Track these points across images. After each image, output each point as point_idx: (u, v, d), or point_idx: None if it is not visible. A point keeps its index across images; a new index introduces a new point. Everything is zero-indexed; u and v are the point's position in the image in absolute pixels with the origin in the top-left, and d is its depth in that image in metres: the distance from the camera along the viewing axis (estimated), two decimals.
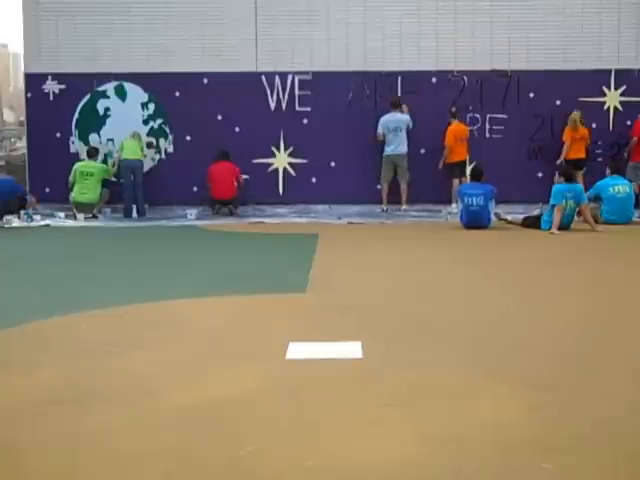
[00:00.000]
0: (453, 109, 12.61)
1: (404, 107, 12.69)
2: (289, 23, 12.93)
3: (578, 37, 12.88)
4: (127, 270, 7.52)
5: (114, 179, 12.86)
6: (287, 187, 13.07)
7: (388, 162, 12.67)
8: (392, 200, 12.72)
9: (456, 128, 12.56)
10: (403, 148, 12.62)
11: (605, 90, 12.94)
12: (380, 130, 12.60)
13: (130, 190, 12.63)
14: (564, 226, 10.29)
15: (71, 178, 12.52)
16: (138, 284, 6.69)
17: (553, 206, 10.34)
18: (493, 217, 10.81)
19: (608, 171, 11.33)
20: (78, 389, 3.68)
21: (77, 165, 12.61)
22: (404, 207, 12.63)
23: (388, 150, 12.62)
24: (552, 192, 10.44)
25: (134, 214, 12.67)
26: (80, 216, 12.33)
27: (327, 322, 5.07)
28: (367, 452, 2.87)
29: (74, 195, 12.47)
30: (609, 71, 12.89)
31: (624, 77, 12.89)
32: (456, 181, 12.60)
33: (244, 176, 12.90)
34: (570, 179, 10.61)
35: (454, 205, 12.53)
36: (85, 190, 12.49)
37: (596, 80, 12.83)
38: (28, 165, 13.29)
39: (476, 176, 11.06)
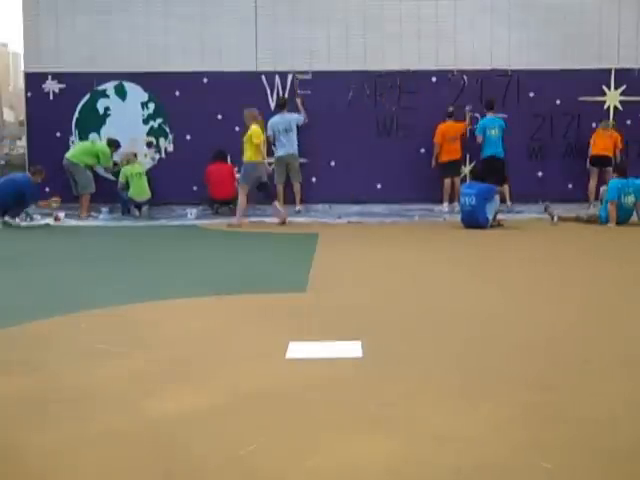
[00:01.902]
0: (450, 109, 12.60)
1: (298, 100, 12.68)
2: (289, 23, 12.94)
3: (578, 37, 12.88)
4: (127, 269, 7.52)
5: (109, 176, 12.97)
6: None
7: (281, 164, 12.57)
8: (290, 200, 12.60)
9: (446, 127, 12.54)
10: (294, 148, 12.53)
11: (605, 89, 12.95)
12: (270, 132, 12.44)
13: (125, 192, 12.63)
14: (624, 220, 10.72)
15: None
16: (138, 283, 6.69)
17: (608, 201, 10.74)
18: (489, 217, 10.67)
19: (613, 174, 11.22)
20: (78, 389, 3.68)
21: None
22: (298, 207, 12.57)
23: (280, 152, 12.52)
24: (608, 188, 10.88)
25: (135, 212, 12.66)
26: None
27: (327, 322, 5.07)
28: (367, 452, 2.87)
29: None
30: (609, 70, 12.90)
31: (624, 76, 12.90)
32: (447, 181, 12.59)
33: None
34: (624, 174, 10.97)
35: (445, 204, 12.55)
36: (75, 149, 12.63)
37: (596, 80, 12.84)
38: (28, 164, 13.28)
39: (473, 176, 11.09)
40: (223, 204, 12.84)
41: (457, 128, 12.60)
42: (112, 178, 12.92)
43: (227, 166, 12.70)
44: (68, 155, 12.56)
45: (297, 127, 12.56)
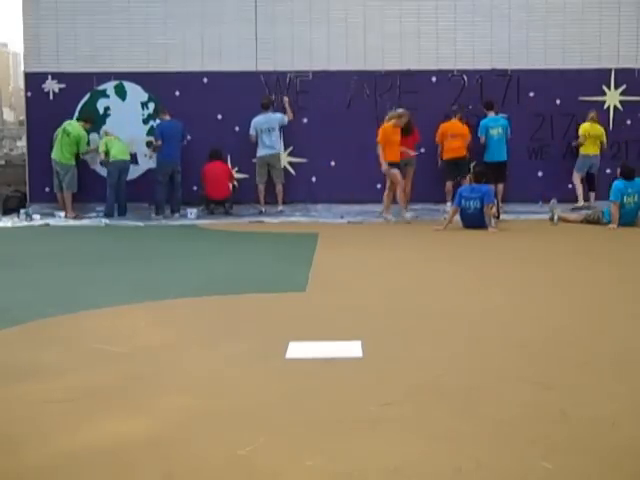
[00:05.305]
0: (454, 107, 12.58)
1: (285, 99, 12.67)
2: (289, 23, 12.93)
3: (578, 37, 12.87)
4: (127, 270, 7.51)
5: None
6: (287, 186, 13.06)
7: (262, 164, 12.62)
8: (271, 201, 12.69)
9: (447, 126, 12.49)
10: (276, 149, 12.60)
11: (605, 89, 12.94)
12: (252, 132, 12.51)
13: (114, 190, 12.59)
14: (627, 222, 10.57)
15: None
16: (138, 284, 6.69)
17: (611, 202, 10.72)
18: (487, 217, 10.65)
19: (620, 175, 11.09)
20: (78, 389, 3.68)
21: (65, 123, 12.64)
22: (280, 208, 12.58)
23: (262, 152, 12.54)
24: (611, 189, 10.78)
25: (115, 214, 12.63)
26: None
27: (327, 322, 5.07)
28: (367, 452, 2.87)
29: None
30: (609, 70, 12.90)
31: (624, 76, 12.89)
32: (450, 182, 12.55)
33: (243, 175, 12.95)
34: (630, 176, 10.85)
35: (449, 204, 12.53)
36: (56, 147, 12.51)
37: (596, 79, 12.83)
38: (28, 164, 13.28)
39: (476, 178, 10.96)
40: (218, 204, 12.81)
41: (459, 127, 12.54)
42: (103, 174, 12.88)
43: (222, 165, 12.72)
44: (54, 156, 12.54)
45: (280, 127, 12.60)
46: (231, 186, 12.77)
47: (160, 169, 12.57)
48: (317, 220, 12.06)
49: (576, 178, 12.61)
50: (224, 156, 12.81)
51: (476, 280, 6.76)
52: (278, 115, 12.59)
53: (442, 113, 12.60)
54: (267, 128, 12.51)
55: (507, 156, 12.52)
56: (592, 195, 12.63)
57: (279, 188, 12.66)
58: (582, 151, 12.59)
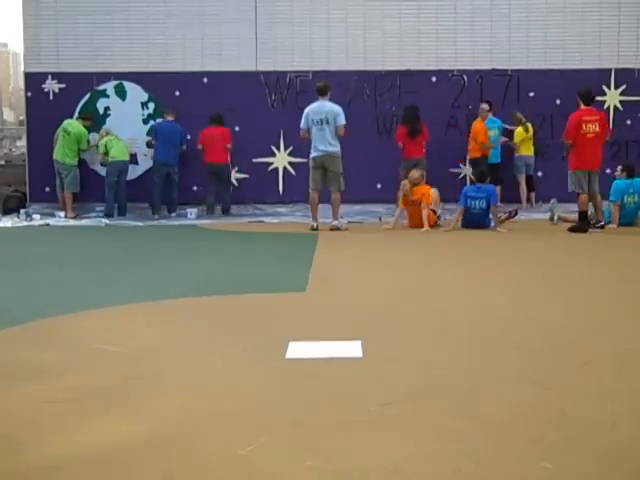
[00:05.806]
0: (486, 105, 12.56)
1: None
2: (289, 22, 12.94)
3: (578, 37, 12.88)
4: (127, 270, 7.51)
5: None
6: (287, 186, 13.07)
7: (316, 165, 10.78)
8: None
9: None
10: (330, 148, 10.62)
11: (605, 89, 12.94)
12: (303, 125, 10.64)
13: (113, 190, 12.60)
14: (627, 222, 10.57)
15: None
16: (138, 284, 6.69)
17: (611, 202, 10.66)
18: (495, 218, 10.69)
19: (622, 174, 11.03)
20: (79, 389, 3.67)
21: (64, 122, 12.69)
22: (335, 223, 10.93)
23: (314, 152, 10.65)
24: (612, 189, 10.70)
25: (115, 214, 12.64)
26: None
27: (327, 322, 5.07)
28: (367, 452, 2.87)
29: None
30: (609, 70, 12.90)
31: (624, 76, 12.89)
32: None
33: (243, 175, 12.95)
34: (632, 174, 10.82)
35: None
36: (58, 148, 12.58)
37: (596, 79, 12.82)
38: (28, 164, 13.29)
39: (479, 178, 10.95)
40: (215, 171, 12.53)
41: (477, 129, 12.50)
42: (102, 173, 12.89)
43: (221, 130, 12.59)
44: (56, 157, 12.56)
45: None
46: (229, 154, 12.64)
47: (155, 169, 12.58)
48: None
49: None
50: (223, 122, 12.66)
51: (476, 280, 6.76)
52: (336, 108, 10.47)
53: (443, 113, 12.61)
54: (319, 120, 10.50)
55: (501, 157, 12.60)
56: (532, 195, 12.88)
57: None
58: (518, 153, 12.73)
